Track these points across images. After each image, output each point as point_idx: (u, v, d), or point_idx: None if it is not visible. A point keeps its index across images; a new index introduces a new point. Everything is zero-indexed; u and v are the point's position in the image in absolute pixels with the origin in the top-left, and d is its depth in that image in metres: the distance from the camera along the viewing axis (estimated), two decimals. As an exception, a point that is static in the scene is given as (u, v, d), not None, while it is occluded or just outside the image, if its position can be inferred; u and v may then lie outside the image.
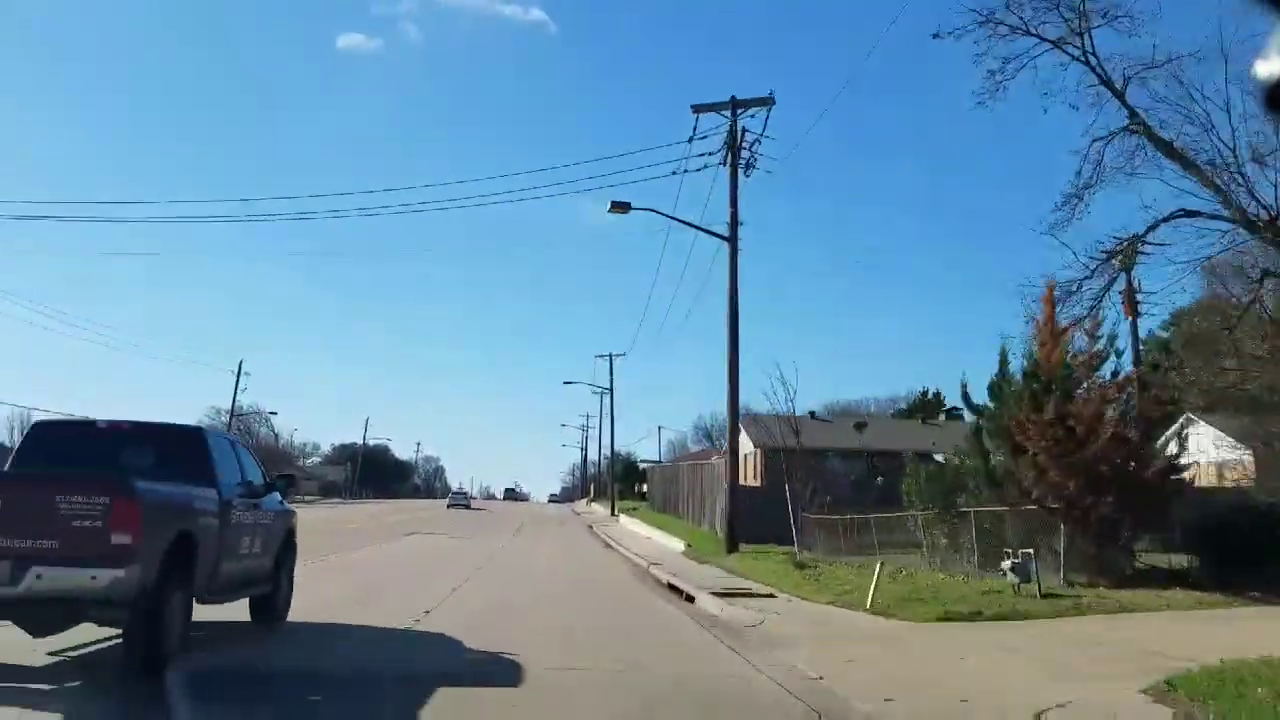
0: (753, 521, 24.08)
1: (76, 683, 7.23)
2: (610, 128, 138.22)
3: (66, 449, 8.43)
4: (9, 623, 6.80)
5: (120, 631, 7.04)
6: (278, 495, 10.38)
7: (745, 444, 37.83)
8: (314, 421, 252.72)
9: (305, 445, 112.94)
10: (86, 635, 7.61)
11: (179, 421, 10.20)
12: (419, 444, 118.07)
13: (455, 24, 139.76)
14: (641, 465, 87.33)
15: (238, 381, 64.69)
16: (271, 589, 9.74)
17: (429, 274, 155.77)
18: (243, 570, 8.86)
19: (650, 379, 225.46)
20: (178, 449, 8.51)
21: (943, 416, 53.65)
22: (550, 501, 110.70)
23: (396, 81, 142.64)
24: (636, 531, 35.12)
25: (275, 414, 78.19)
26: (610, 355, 66.45)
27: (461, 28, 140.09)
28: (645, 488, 72.71)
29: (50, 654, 7.56)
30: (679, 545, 25.34)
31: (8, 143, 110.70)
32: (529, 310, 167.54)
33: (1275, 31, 1.83)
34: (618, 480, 79.93)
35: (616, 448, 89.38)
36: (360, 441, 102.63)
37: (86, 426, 9.11)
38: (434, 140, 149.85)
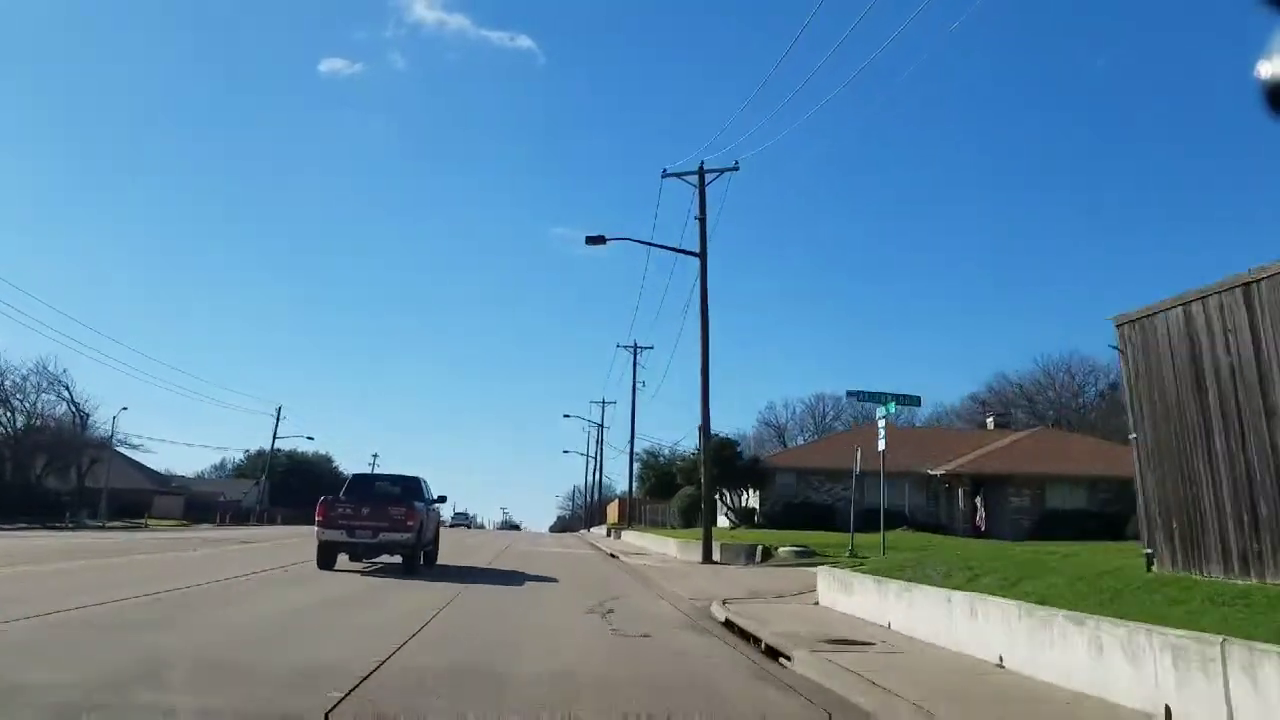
0: None
1: (373, 577, 18.54)
2: (599, 152, 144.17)
3: (368, 485, 20.06)
4: (345, 555, 18.43)
5: (396, 560, 18.60)
6: (438, 505, 21.88)
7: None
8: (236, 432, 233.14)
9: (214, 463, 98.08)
10: (364, 566, 19.24)
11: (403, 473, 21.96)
12: (375, 457, 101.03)
13: (440, 51, 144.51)
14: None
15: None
16: (433, 548, 21.16)
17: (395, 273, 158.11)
18: (427, 539, 20.23)
19: (674, 379, 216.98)
20: (409, 483, 20.11)
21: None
22: (550, 532, 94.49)
23: (379, 106, 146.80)
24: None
25: (67, 379, 59.18)
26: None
27: (446, 55, 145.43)
28: (757, 500, 42.67)
29: (364, 566, 19.14)
30: None
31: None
32: (509, 315, 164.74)
33: (1278, 33, 1.80)
34: (652, 492, 49.41)
35: (634, 449, 58.21)
36: (270, 446, 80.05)
37: (376, 476, 21.01)
38: (416, 162, 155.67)
